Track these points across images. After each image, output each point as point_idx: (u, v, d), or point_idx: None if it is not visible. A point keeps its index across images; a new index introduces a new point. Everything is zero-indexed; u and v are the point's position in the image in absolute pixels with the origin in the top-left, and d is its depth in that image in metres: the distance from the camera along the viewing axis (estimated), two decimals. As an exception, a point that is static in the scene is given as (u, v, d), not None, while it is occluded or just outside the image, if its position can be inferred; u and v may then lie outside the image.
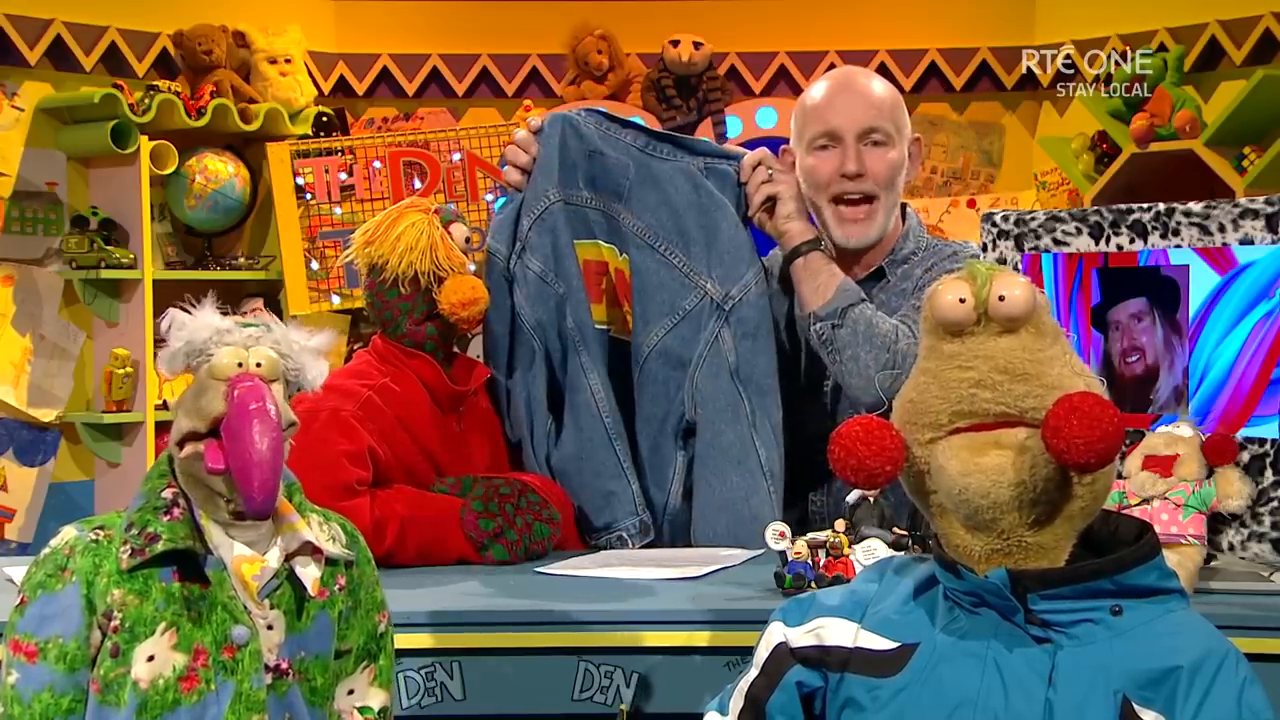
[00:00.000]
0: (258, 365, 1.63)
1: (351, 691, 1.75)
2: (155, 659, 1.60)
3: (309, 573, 1.66)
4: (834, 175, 2.63)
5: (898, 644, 1.58)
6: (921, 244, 2.72)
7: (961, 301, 1.54)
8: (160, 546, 1.61)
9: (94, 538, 1.63)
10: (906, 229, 2.72)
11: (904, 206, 2.75)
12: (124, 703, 1.59)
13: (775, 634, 1.65)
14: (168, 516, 1.63)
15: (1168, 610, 1.54)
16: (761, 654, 1.65)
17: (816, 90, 2.71)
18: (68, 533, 1.65)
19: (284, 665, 1.65)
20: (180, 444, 1.62)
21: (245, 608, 1.63)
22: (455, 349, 2.60)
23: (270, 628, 1.65)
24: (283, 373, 1.65)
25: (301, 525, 1.67)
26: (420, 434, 2.48)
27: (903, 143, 2.68)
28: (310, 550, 1.67)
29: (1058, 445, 1.47)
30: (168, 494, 1.64)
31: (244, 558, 1.63)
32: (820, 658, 1.61)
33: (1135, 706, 1.48)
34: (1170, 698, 1.48)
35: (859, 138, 2.62)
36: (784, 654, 1.63)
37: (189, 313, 1.65)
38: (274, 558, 1.65)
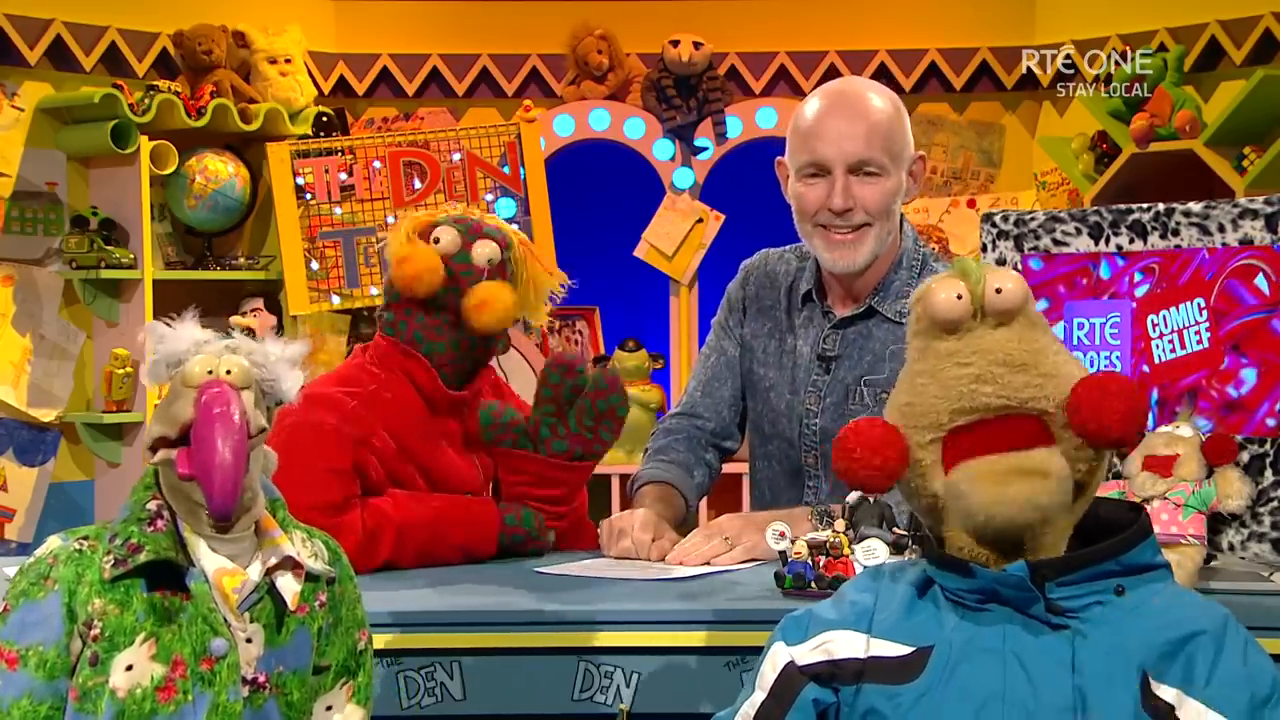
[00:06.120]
0: (228, 373, 1.63)
1: (330, 708, 1.75)
2: (134, 669, 1.61)
3: (289, 586, 1.67)
4: (821, 207, 2.49)
5: (912, 648, 1.57)
6: (916, 268, 2.59)
7: (959, 298, 1.55)
8: (143, 557, 1.61)
9: (78, 547, 1.64)
10: (900, 254, 2.58)
11: (902, 220, 2.60)
12: (101, 711, 1.60)
13: (780, 655, 1.61)
14: (151, 528, 1.63)
15: (1162, 585, 1.57)
16: (768, 676, 1.61)
17: (810, 109, 2.54)
18: (52, 542, 1.67)
19: (261, 679, 1.66)
20: (153, 450, 1.63)
21: (225, 620, 1.63)
22: (479, 357, 2.54)
23: (249, 641, 1.65)
24: (255, 382, 1.66)
25: (283, 540, 1.68)
26: (408, 442, 2.46)
27: (900, 168, 2.51)
28: (291, 565, 1.68)
29: (1094, 427, 1.50)
30: (152, 505, 1.65)
31: (225, 570, 1.63)
32: (832, 672, 1.59)
33: (1153, 683, 1.51)
34: (1187, 666, 1.51)
35: (849, 170, 2.47)
36: (794, 673, 1.59)
37: (169, 325, 1.66)
38: (255, 571, 1.65)
